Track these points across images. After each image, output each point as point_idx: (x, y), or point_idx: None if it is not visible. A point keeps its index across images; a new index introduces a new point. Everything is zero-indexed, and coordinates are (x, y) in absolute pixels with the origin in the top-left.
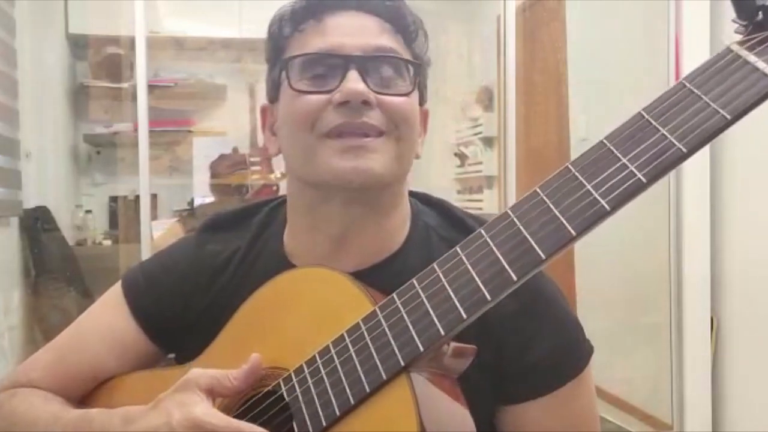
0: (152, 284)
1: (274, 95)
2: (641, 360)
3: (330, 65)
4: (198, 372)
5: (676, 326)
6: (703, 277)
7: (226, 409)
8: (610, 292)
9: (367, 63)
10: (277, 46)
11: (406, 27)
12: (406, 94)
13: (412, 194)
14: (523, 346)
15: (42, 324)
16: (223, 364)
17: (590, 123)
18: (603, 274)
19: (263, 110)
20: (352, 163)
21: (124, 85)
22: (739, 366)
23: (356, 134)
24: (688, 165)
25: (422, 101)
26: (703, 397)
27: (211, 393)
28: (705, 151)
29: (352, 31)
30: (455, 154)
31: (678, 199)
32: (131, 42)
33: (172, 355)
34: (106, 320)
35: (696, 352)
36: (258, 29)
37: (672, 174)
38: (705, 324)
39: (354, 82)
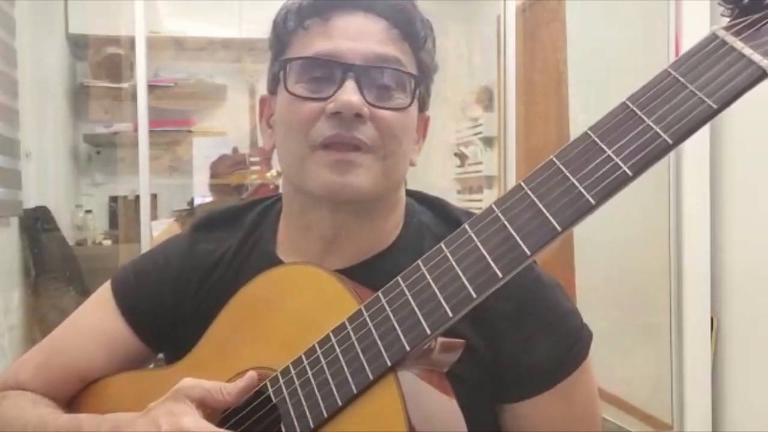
0: (143, 282)
1: (273, 88)
2: (641, 360)
3: (328, 70)
4: (191, 382)
5: (676, 326)
6: (703, 276)
7: (215, 410)
8: (609, 292)
9: (367, 72)
10: (279, 40)
11: (414, 34)
12: (403, 109)
13: (408, 193)
14: (524, 346)
15: (42, 324)
16: (210, 364)
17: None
18: (603, 273)
19: (262, 100)
20: (339, 179)
21: (124, 85)
22: (739, 366)
23: (345, 148)
24: (688, 164)
25: (423, 108)
26: (703, 397)
27: (202, 405)
28: (705, 150)
29: (356, 36)
30: (455, 154)
31: (678, 199)
32: (131, 42)
33: (161, 355)
34: (96, 320)
35: (696, 352)
36: (258, 29)
37: (672, 173)
38: (705, 324)
39: (349, 94)
